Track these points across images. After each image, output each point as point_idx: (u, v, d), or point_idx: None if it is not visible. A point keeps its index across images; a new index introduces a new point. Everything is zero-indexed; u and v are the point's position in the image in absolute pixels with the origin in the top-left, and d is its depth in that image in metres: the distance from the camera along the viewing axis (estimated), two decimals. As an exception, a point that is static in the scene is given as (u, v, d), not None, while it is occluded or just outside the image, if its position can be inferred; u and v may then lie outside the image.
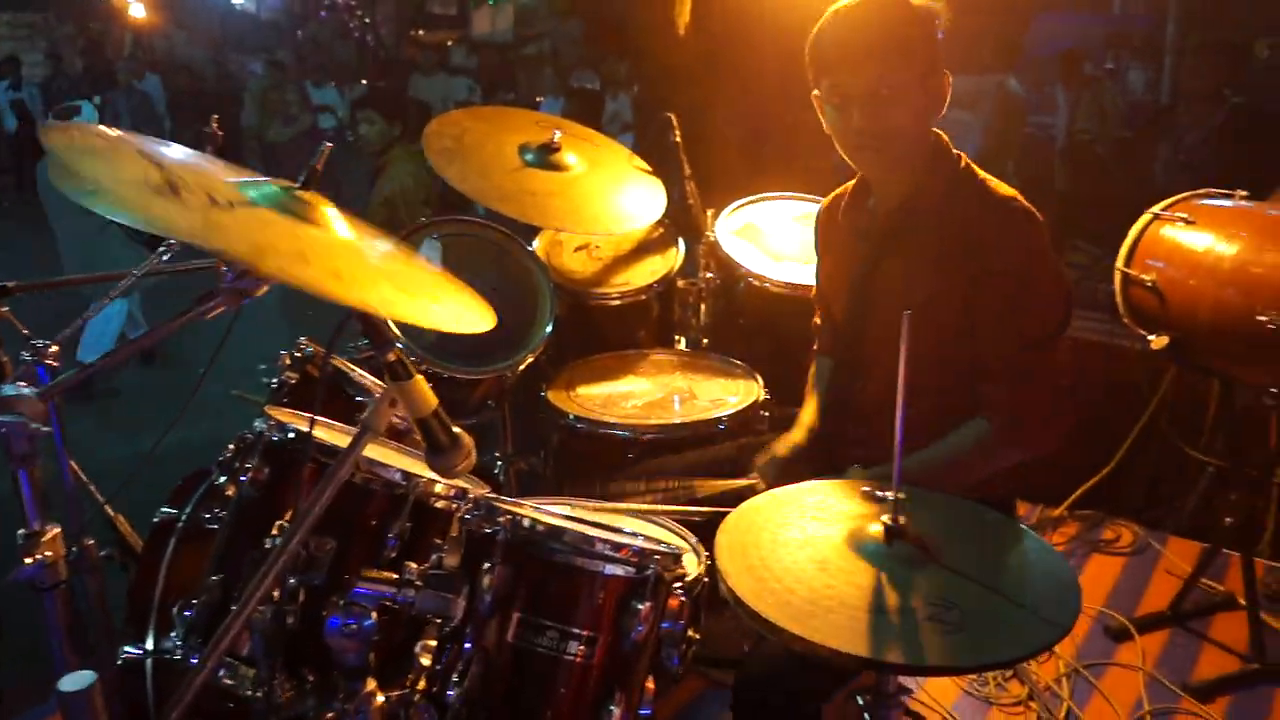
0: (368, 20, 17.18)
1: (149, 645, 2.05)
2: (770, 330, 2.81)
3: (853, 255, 1.98)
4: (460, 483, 1.52)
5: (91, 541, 1.84)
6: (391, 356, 1.23)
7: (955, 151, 1.86)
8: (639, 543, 1.32)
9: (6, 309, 1.95)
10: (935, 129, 1.86)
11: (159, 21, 14.86)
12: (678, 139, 2.84)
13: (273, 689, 1.25)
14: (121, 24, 14.63)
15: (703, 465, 2.14)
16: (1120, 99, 8.91)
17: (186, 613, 1.42)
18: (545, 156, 2.61)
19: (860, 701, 1.78)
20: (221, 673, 1.37)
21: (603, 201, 2.60)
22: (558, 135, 2.62)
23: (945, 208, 1.81)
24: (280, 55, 12.69)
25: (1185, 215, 2.64)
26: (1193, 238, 2.58)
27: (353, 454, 1.21)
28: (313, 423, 1.20)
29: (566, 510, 1.53)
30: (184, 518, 2.13)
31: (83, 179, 0.99)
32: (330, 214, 1.23)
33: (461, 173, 2.47)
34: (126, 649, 2.07)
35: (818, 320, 2.30)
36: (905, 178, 1.85)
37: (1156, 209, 2.72)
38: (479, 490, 1.55)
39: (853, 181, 2.02)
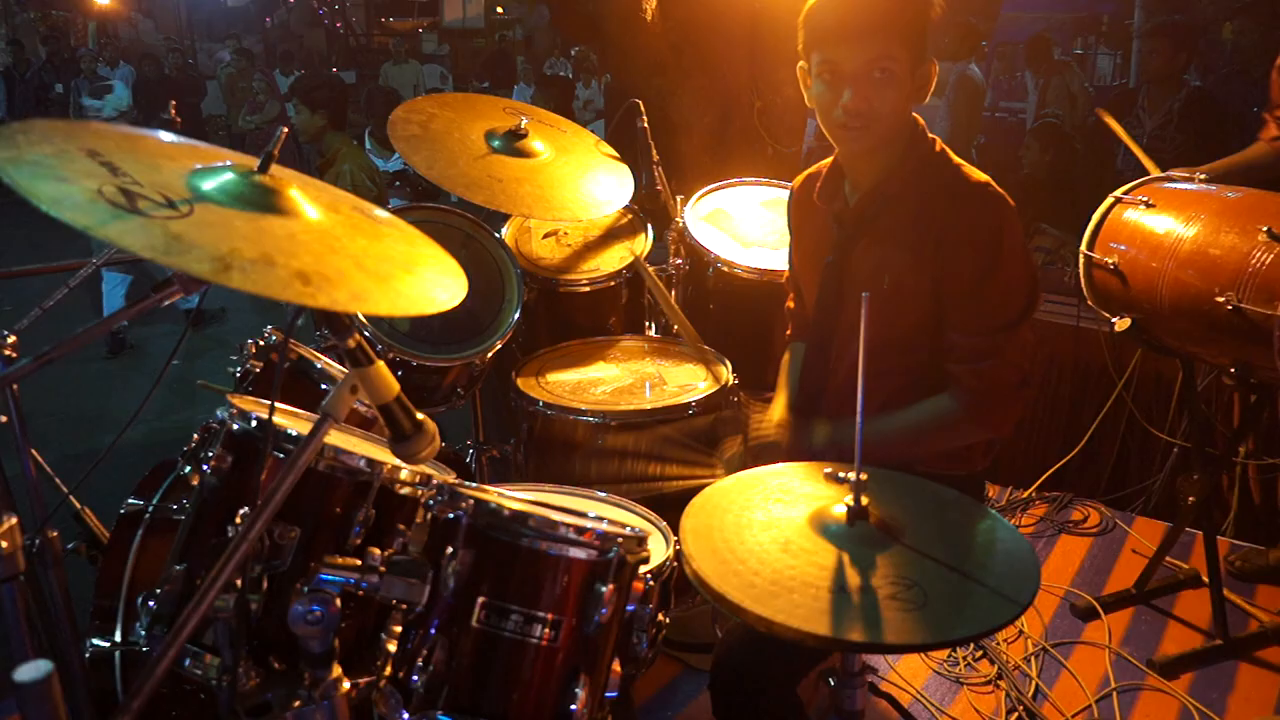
0: (337, 6, 17.02)
1: (117, 637, 2.04)
2: (740, 316, 2.82)
3: (825, 239, 1.99)
4: (425, 469, 1.51)
5: (55, 534, 1.82)
6: (351, 342, 1.23)
7: (930, 136, 1.87)
8: (602, 526, 1.33)
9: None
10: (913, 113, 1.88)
11: (123, 9, 14.66)
12: (645, 125, 2.83)
13: (236, 677, 1.25)
14: (85, 11, 14.42)
15: (675, 438, 2.15)
16: (1088, 84, 9.01)
17: (150, 603, 1.41)
18: (512, 143, 2.60)
19: (831, 682, 1.80)
20: (187, 661, 1.37)
21: (571, 188, 2.59)
22: (525, 121, 2.61)
23: (917, 192, 1.82)
24: (248, 43, 12.55)
25: (1146, 198, 2.67)
26: (1153, 220, 2.61)
27: (314, 441, 1.20)
28: (272, 410, 1.19)
29: (533, 495, 1.53)
30: (151, 509, 2.12)
31: (40, 199, 0.98)
32: (296, 195, 1.22)
33: (428, 160, 2.45)
34: (94, 641, 2.06)
35: (790, 305, 2.31)
36: (882, 161, 1.86)
37: (1119, 192, 2.75)
38: (444, 476, 1.55)
39: (827, 161, 2.02)
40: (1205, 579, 2.97)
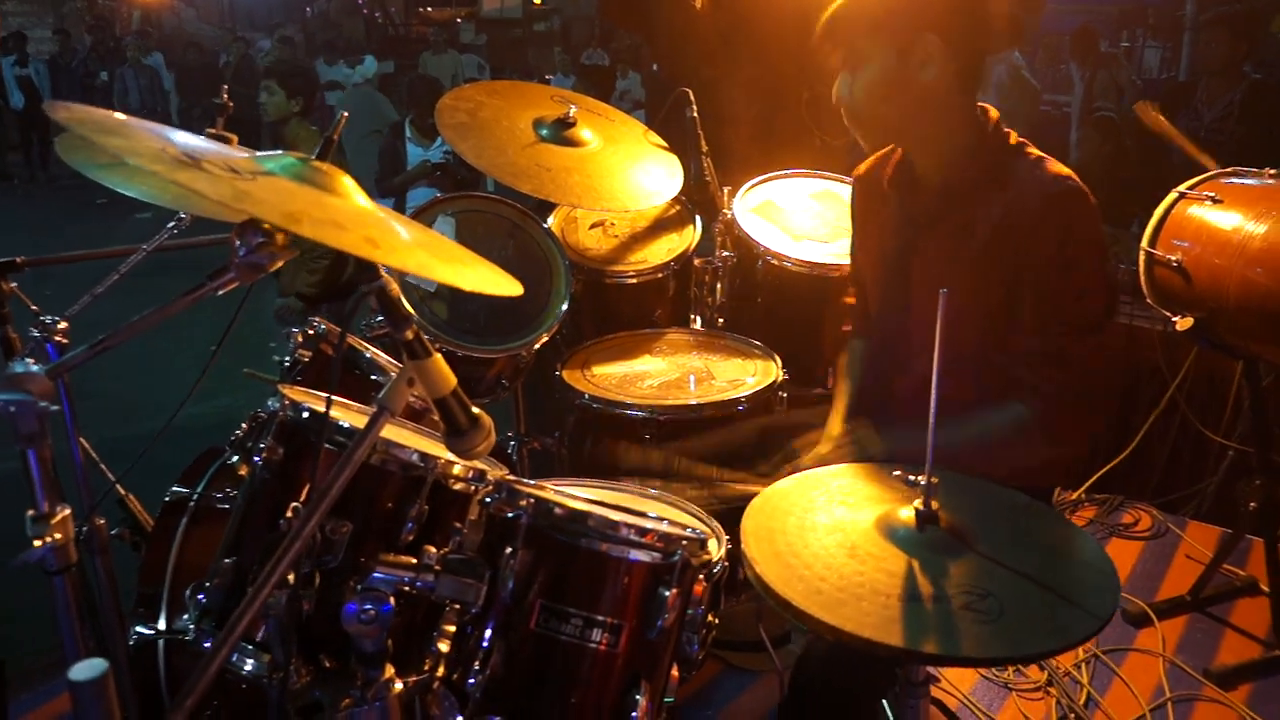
0: (376, -3, 17.07)
1: (161, 625, 2.03)
2: (789, 310, 2.77)
3: (893, 231, 1.92)
4: (478, 464, 1.48)
5: (102, 521, 1.81)
6: (409, 334, 1.19)
7: (1005, 129, 1.80)
8: (664, 527, 1.28)
9: (15, 285, 1.92)
10: (983, 104, 1.80)
11: (167, -2, 14.80)
12: (695, 114, 2.78)
13: (288, 675, 1.22)
14: (130, 0, 14.57)
15: (724, 450, 2.10)
16: (1136, 77, 8.82)
17: (200, 596, 1.39)
18: (560, 132, 2.56)
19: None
20: (235, 658, 1.34)
21: (619, 178, 2.55)
22: (573, 110, 2.57)
23: (993, 185, 1.75)
24: (289, 31, 12.61)
25: (1212, 194, 2.58)
26: (1221, 217, 2.52)
27: (370, 435, 1.17)
28: (329, 402, 1.16)
29: (586, 493, 1.49)
30: (196, 497, 2.11)
31: (103, 151, 0.95)
32: (349, 184, 1.19)
33: (476, 148, 2.42)
34: (138, 629, 2.06)
35: (851, 299, 2.25)
36: (944, 153, 1.79)
37: (1183, 188, 2.67)
38: (497, 472, 1.51)
39: (898, 150, 1.96)
40: (1264, 587, 2.88)
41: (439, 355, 1.23)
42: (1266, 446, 2.77)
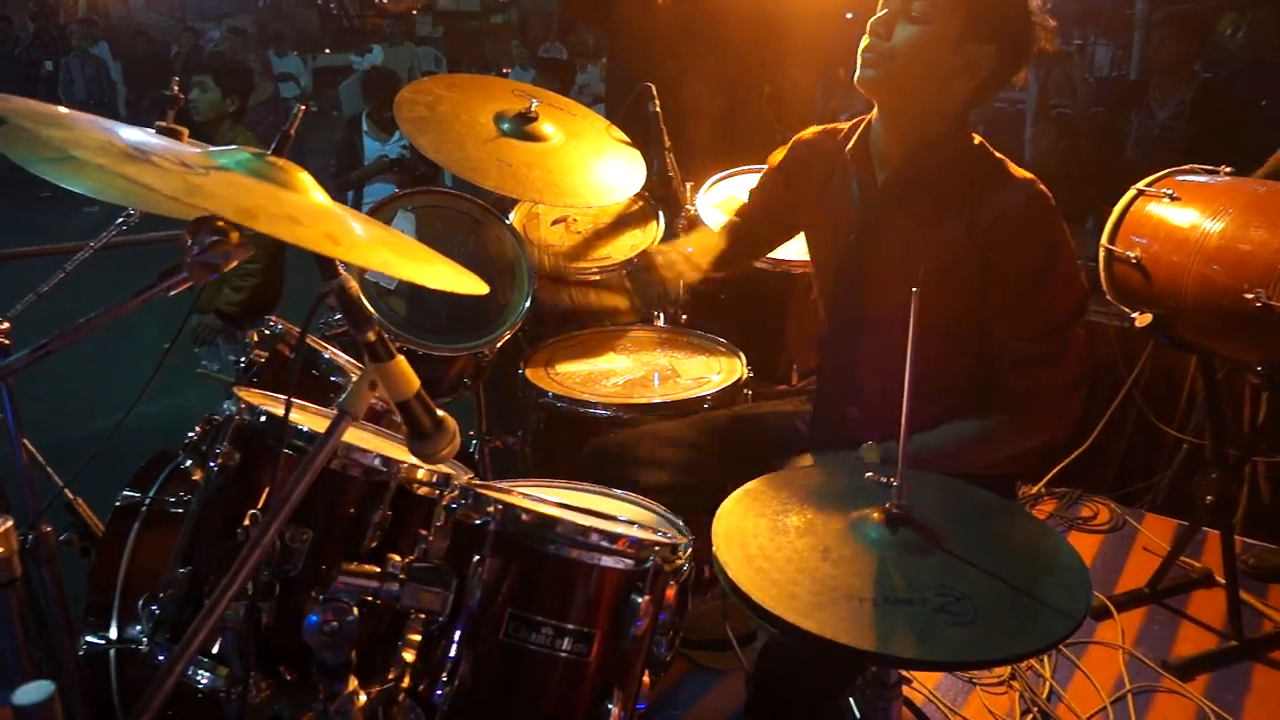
0: (330, -13, 16.80)
1: (112, 634, 1.96)
2: (752, 307, 2.76)
3: (844, 213, 1.90)
4: (442, 468, 1.44)
5: (49, 529, 1.74)
6: (371, 335, 1.15)
7: (973, 134, 1.80)
8: (637, 533, 1.26)
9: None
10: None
11: (113, -15, 14.43)
12: (657, 109, 2.75)
13: (247, 689, 1.18)
14: (75, -13, 14.19)
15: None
16: (1089, 75, 8.94)
17: (153, 607, 1.34)
18: (522, 126, 2.52)
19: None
20: (191, 671, 1.29)
21: (582, 173, 2.52)
22: (535, 104, 2.53)
23: (957, 180, 1.74)
24: (241, 22, 12.36)
25: (1170, 191, 2.61)
26: (1179, 214, 2.55)
27: (331, 440, 1.13)
28: (288, 405, 1.12)
29: (553, 495, 1.46)
30: (148, 501, 2.05)
31: (48, 145, 0.90)
32: (306, 180, 1.15)
33: (436, 142, 2.37)
34: (89, 638, 1.99)
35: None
36: (915, 136, 1.77)
37: (1141, 185, 2.69)
38: (463, 476, 1.48)
39: (852, 122, 1.93)
40: (1219, 578, 2.93)
41: (402, 357, 1.19)
42: (1221, 441, 2.81)
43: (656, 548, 1.26)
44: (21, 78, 10.59)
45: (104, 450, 1.61)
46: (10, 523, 1.16)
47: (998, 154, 1.78)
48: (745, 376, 2.44)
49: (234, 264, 1.15)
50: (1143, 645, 2.72)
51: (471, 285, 1.15)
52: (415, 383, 1.21)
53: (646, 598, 1.24)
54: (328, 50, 14.28)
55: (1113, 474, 3.69)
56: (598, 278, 2.69)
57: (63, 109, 1.09)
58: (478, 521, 1.23)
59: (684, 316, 2.86)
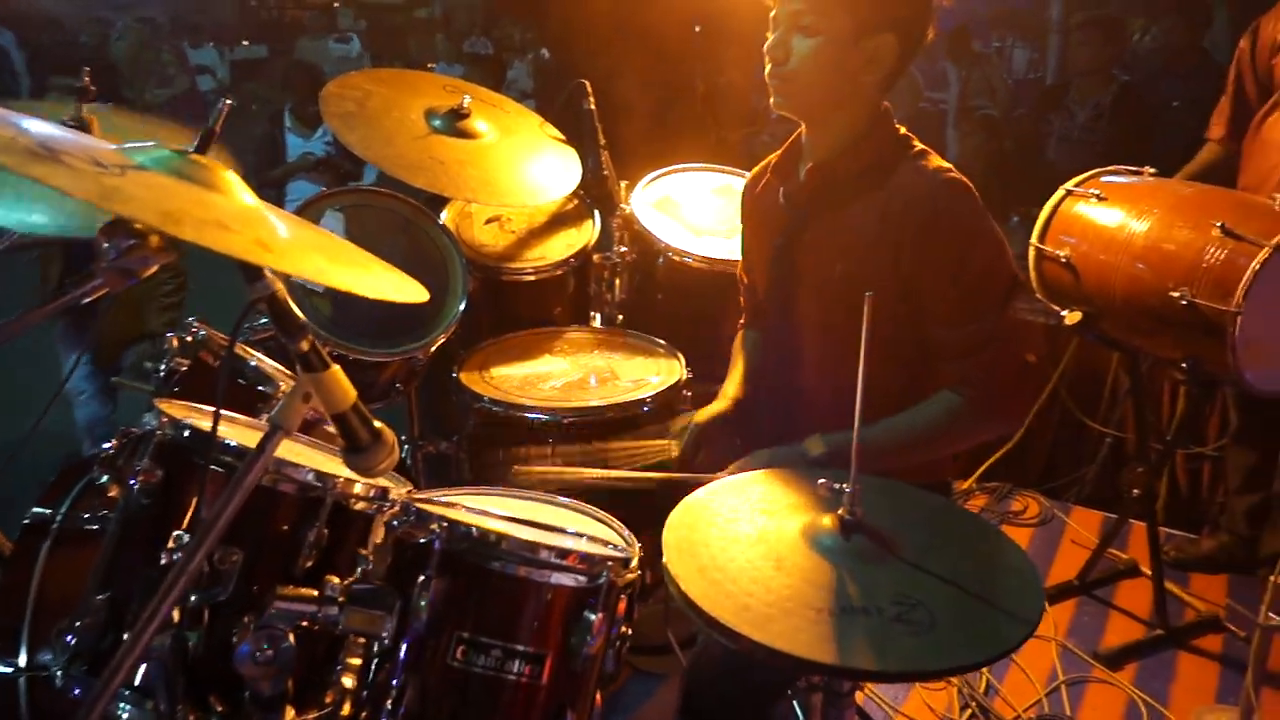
0: (246, -23, 16.32)
1: (21, 661, 1.85)
2: (690, 306, 2.73)
3: (776, 221, 1.90)
4: (381, 482, 1.38)
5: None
6: (304, 345, 1.09)
7: (897, 123, 1.80)
8: (587, 547, 1.21)
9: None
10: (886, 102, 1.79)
11: (15, -29, 13.76)
12: (592, 106, 2.70)
13: (174, 723, 1.11)
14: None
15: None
16: (1007, 76, 9.15)
17: (68, 637, 1.25)
18: (454, 123, 2.46)
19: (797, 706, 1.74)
20: (114, 706, 1.21)
21: (516, 171, 2.46)
22: (467, 100, 2.46)
23: (876, 174, 1.73)
24: (152, 12, 11.93)
25: (1098, 192, 2.66)
26: (1106, 214, 2.60)
27: (263, 457, 1.07)
28: (216, 420, 1.05)
29: (496, 506, 1.40)
30: (59, 519, 1.93)
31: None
32: (232, 180, 1.08)
33: (365, 139, 2.30)
34: (-5, 665, 1.87)
35: (742, 300, 2.23)
36: (835, 135, 1.77)
37: (1070, 185, 2.73)
38: (401, 489, 1.42)
39: (783, 148, 1.94)
40: (1144, 569, 3.01)
41: (337, 367, 1.13)
42: (1145, 435, 2.88)
43: (609, 562, 1.21)
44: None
45: (10, 464, 1.51)
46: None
47: (919, 144, 1.78)
48: (685, 378, 2.41)
49: (153, 270, 1.08)
50: (1074, 636, 2.77)
51: (411, 292, 1.09)
52: (352, 394, 1.15)
53: (600, 615, 1.19)
54: (246, 42, 13.87)
55: (1040, 468, 3.77)
56: (532, 278, 2.63)
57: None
58: (421, 540, 1.18)
59: (620, 317, 2.82)
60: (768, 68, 1.74)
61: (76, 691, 1.24)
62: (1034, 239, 2.75)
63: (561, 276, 2.66)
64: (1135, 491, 2.79)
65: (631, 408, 2.23)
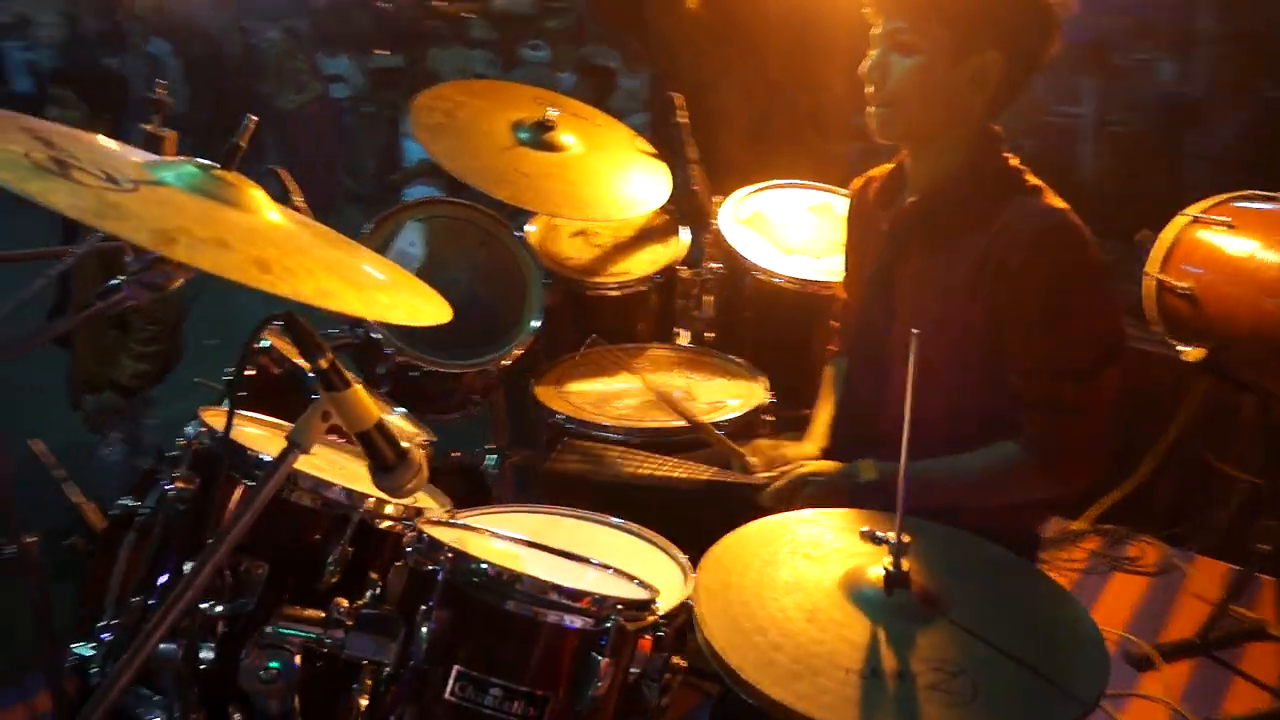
0: (387, -12, 16.94)
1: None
2: (778, 327, 2.64)
3: (874, 247, 1.82)
4: (422, 501, 1.36)
5: (32, 539, 1.69)
6: (324, 363, 1.08)
7: (1007, 154, 1.69)
8: (598, 588, 1.16)
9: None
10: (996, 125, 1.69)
11: (177, -15, 14.67)
12: (683, 120, 2.66)
13: (184, 734, 1.11)
14: (140, -13, 14.45)
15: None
16: (1149, 91, 8.64)
17: (105, 635, 1.28)
18: (540, 135, 2.44)
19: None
20: (144, 712, 1.23)
21: (601, 184, 2.43)
22: (553, 113, 2.45)
23: (978, 205, 1.63)
24: (296, 23, 12.49)
25: (1226, 219, 2.44)
26: (1234, 243, 2.39)
27: (278, 473, 1.06)
28: (228, 430, 1.05)
29: (531, 526, 1.37)
30: (144, 511, 2.00)
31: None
32: (258, 196, 1.07)
33: (450, 151, 2.31)
34: (78, 649, 1.95)
35: (835, 323, 2.14)
36: (942, 164, 1.67)
37: (1193, 211, 2.53)
38: (441, 509, 1.40)
39: (891, 164, 1.85)
40: (1274, 631, 2.75)
41: (359, 386, 1.11)
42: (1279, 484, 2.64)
43: (619, 606, 1.16)
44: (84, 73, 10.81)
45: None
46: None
47: (1033, 180, 1.66)
48: (765, 402, 2.33)
49: (178, 282, 1.08)
50: (1190, 701, 2.54)
51: (428, 315, 1.06)
52: (374, 413, 1.14)
53: (606, 659, 1.14)
54: (384, 51, 14.37)
55: (1163, 512, 3.50)
56: (616, 293, 2.59)
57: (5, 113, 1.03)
58: (429, 569, 1.15)
59: (709, 335, 2.76)
60: (867, 90, 1.66)
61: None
62: (1153, 269, 2.56)
63: (644, 292, 2.62)
64: (1264, 548, 2.56)
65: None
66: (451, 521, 1.23)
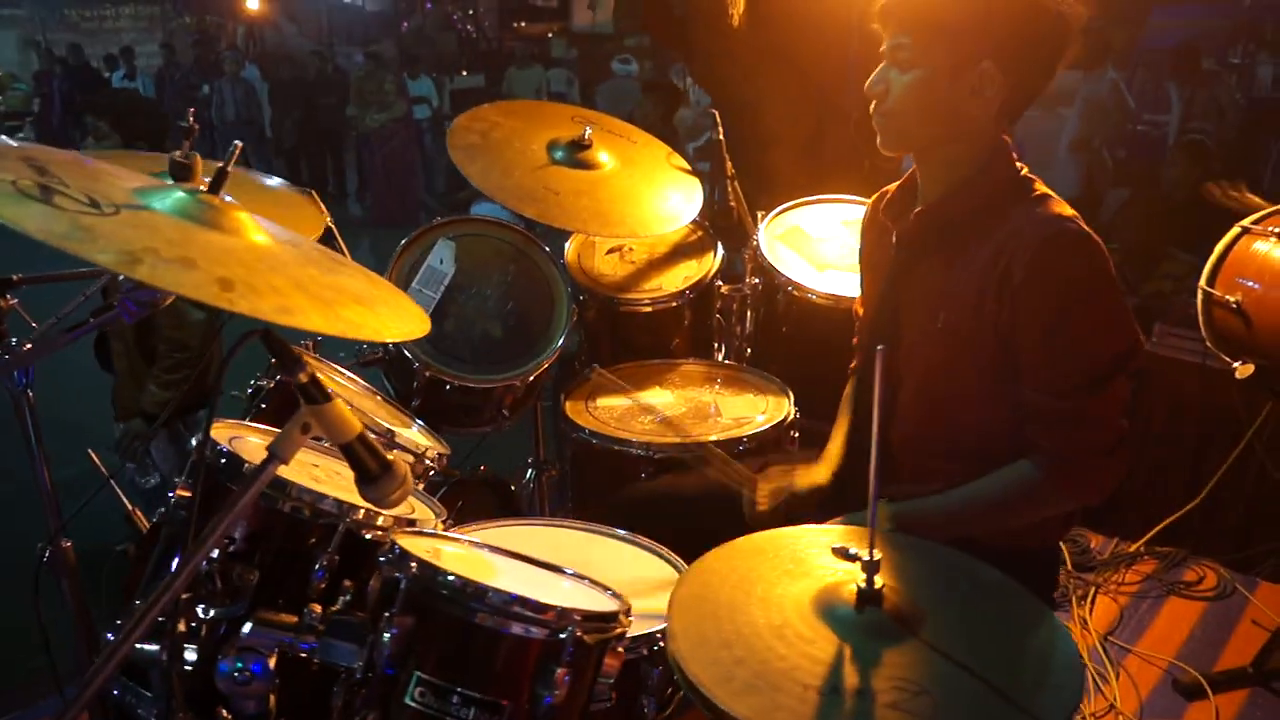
0: (470, 11, 17.36)
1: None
2: (812, 343, 2.63)
3: (884, 262, 1.81)
4: (419, 511, 1.40)
5: (68, 544, 1.79)
6: (303, 378, 1.13)
7: (1019, 163, 1.67)
8: (570, 601, 1.18)
9: (15, 301, 1.92)
10: (1005, 136, 1.67)
11: (270, 14, 15.33)
12: (720, 136, 2.67)
13: (169, 731, 1.17)
14: (235, 16, 15.16)
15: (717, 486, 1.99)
16: (1242, 96, 8.31)
17: (109, 635, 1.35)
18: (575, 154, 2.48)
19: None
20: (143, 711, 1.29)
21: (633, 202, 2.46)
22: (588, 131, 2.49)
23: (985, 215, 1.61)
24: (381, 47, 12.91)
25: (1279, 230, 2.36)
26: (1288, 256, 2.30)
27: (256, 484, 1.11)
28: (204, 441, 1.10)
29: (539, 538, 1.40)
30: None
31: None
32: (246, 219, 1.13)
33: (483, 170, 2.37)
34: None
35: (856, 339, 2.13)
36: (949, 176, 1.66)
37: (1246, 222, 2.44)
38: (437, 520, 1.44)
39: (899, 184, 1.84)
40: (1336, 663, 2.62)
41: (340, 400, 1.16)
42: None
43: (577, 617, 1.17)
44: (181, 100, 11.34)
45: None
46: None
47: (1042, 188, 1.63)
48: (791, 417, 2.32)
49: (169, 301, 1.14)
50: (1239, 732, 2.45)
51: (405, 330, 1.10)
52: (356, 426, 1.18)
53: (562, 669, 1.15)
54: (464, 72, 14.73)
55: (1228, 535, 3.36)
56: (649, 309, 2.62)
57: (12, 142, 1.11)
58: (396, 576, 1.18)
59: (748, 350, 2.77)
60: (871, 106, 1.66)
61: (114, 692, 1.33)
62: (1202, 281, 2.48)
63: (678, 308, 2.63)
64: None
65: (727, 446, 2.17)
66: (428, 532, 1.26)
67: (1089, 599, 2.96)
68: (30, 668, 2.59)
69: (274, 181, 2.37)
